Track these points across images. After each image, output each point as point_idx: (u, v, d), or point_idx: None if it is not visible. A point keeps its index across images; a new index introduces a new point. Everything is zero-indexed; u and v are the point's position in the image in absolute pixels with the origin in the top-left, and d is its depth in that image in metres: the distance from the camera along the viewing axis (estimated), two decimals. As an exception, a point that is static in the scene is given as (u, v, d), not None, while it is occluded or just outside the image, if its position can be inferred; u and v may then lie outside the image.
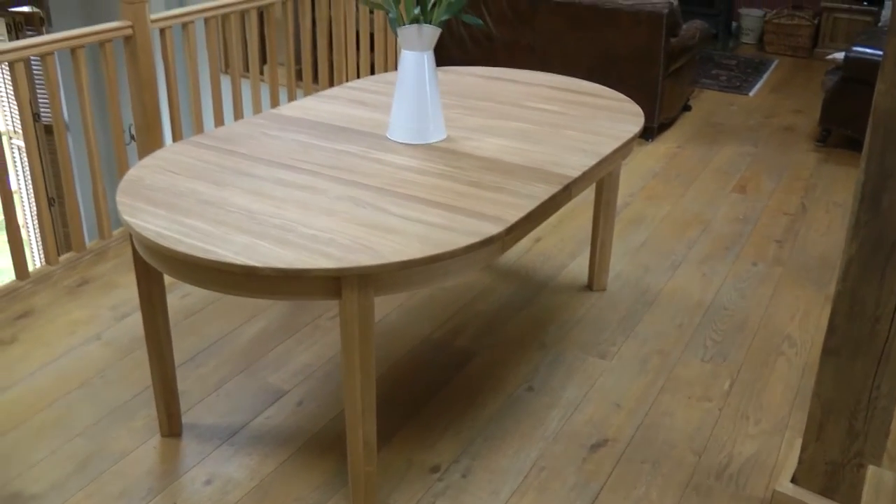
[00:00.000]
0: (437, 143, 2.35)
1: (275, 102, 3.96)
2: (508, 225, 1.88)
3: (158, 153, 2.28)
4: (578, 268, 3.17)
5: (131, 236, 1.99)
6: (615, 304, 2.94)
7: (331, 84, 4.38)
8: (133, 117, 3.31)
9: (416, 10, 2.23)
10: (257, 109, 3.84)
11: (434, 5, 2.24)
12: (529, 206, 1.98)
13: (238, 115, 3.72)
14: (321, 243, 1.79)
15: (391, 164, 2.20)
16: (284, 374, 2.54)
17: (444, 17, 2.26)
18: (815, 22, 6.18)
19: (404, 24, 2.24)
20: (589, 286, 3.05)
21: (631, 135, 2.47)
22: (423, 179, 2.11)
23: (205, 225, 1.87)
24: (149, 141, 3.31)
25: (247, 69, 5.10)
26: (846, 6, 6.07)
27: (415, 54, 2.28)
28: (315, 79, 4.38)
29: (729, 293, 3.02)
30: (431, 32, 2.26)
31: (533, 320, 2.83)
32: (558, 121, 2.55)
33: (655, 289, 3.04)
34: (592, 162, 2.25)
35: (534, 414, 2.41)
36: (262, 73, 4.35)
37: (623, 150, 2.45)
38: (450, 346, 2.69)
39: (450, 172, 2.16)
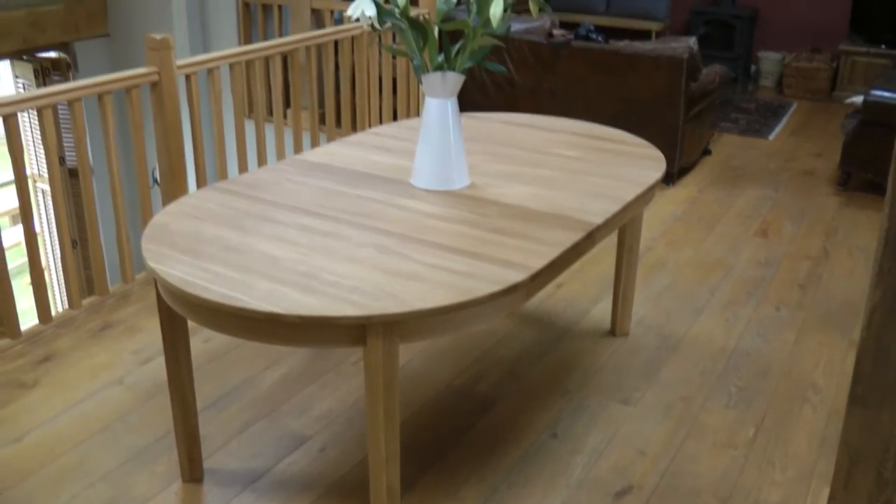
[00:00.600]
0: (460, 189, 2.36)
1: (298, 147, 4.00)
2: (533, 272, 1.88)
3: (184, 199, 2.30)
4: (601, 313, 3.15)
5: (156, 282, 2.00)
6: (638, 350, 2.92)
7: (354, 128, 4.42)
8: (158, 162, 3.35)
9: (440, 58, 2.26)
10: (281, 154, 3.88)
11: (458, 52, 2.27)
12: (553, 253, 1.98)
13: (262, 159, 3.75)
14: (345, 290, 1.79)
15: (415, 210, 2.21)
16: (307, 419, 2.53)
17: (468, 65, 2.28)
18: (834, 65, 6.19)
19: (428, 72, 2.26)
20: (612, 331, 3.03)
21: (653, 180, 2.48)
22: (446, 226, 2.12)
23: (229, 271, 1.88)
24: (173, 186, 3.34)
25: (270, 113, 5.16)
26: (864, 49, 6.09)
27: (438, 101, 2.30)
28: (338, 123, 4.42)
29: (752, 339, 3.00)
30: (455, 80, 2.28)
31: (556, 366, 2.81)
32: (581, 167, 2.56)
33: (678, 334, 3.02)
34: (615, 208, 2.25)
35: (557, 461, 2.38)
36: (285, 117, 4.40)
37: (646, 196, 2.45)
38: (472, 392, 2.67)
39: (473, 219, 2.16)
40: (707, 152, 4.93)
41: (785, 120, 5.73)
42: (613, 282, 2.97)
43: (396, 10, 2.18)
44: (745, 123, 5.58)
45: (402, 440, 2.42)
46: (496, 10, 2.06)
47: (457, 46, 2.26)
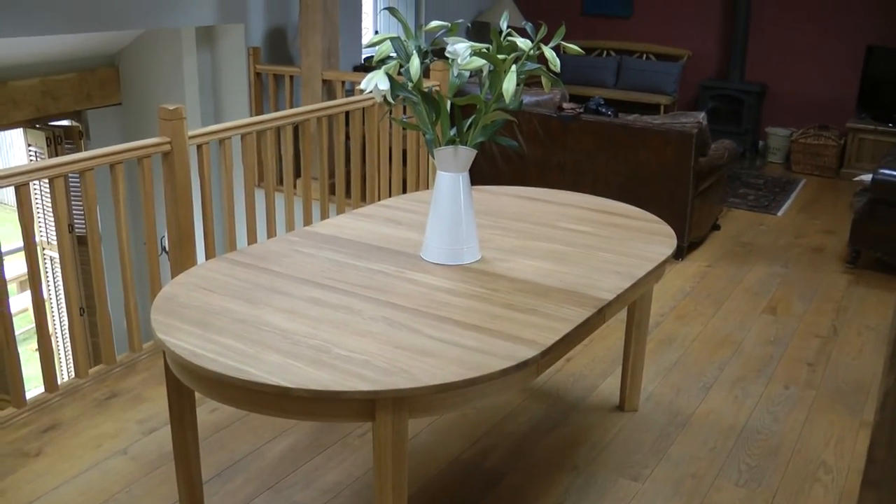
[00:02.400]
0: (471, 264, 2.39)
1: (308, 217, 4.05)
2: (544, 349, 1.90)
3: (193, 270, 2.33)
4: (609, 388, 3.15)
5: (164, 353, 2.02)
6: (647, 426, 2.91)
7: (363, 199, 4.48)
8: (167, 231, 3.39)
9: (452, 132, 2.31)
10: (290, 224, 3.93)
11: (470, 127, 2.32)
12: (564, 329, 1.99)
13: (271, 229, 3.80)
14: (356, 365, 1.81)
15: (425, 284, 2.24)
16: (312, 492, 2.51)
17: (480, 140, 2.33)
18: (842, 142, 6.28)
19: (440, 146, 2.31)
20: (620, 407, 3.02)
21: (664, 257, 2.51)
22: (457, 301, 2.14)
23: (238, 344, 1.90)
24: (182, 255, 3.38)
25: (280, 183, 5.24)
26: (872, 127, 6.18)
27: (450, 175, 2.35)
28: (348, 194, 4.49)
29: (762, 417, 2.99)
30: (467, 154, 2.33)
31: (564, 441, 2.80)
32: (591, 242, 2.60)
33: (687, 411, 3.01)
34: (626, 284, 2.28)
35: (565, 541, 2.36)
36: (295, 187, 4.47)
37: (657, 272, 2.48)
38: (480, 467, 2.66)
39: (484, 294, 2.19)
40: (716, 227, 4.97)
41: (793, 196, 5.79)
42: (623, 357, 2.98)
43: (409, 84, 2.24)
44: (754, 199, 5.64)
45: (409, 517, 2.42)
46: (509, 85, 2.12)
47: (469, 121, 2.32)
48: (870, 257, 4.46)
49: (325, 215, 4.17)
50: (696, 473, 2.65)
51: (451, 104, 2.32)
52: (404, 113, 4.59)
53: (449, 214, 2.36)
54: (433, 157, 2.33)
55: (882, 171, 4.23)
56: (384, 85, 2.17)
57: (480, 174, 4.86)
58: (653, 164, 4.36)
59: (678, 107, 6.91)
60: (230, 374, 1.77)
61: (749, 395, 3.13)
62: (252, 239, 3.75)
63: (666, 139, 4.28)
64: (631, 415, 2.98)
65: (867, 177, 4.34)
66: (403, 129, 4.58)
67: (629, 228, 2.75)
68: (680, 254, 4.47)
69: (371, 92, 2.20)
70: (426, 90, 2.29)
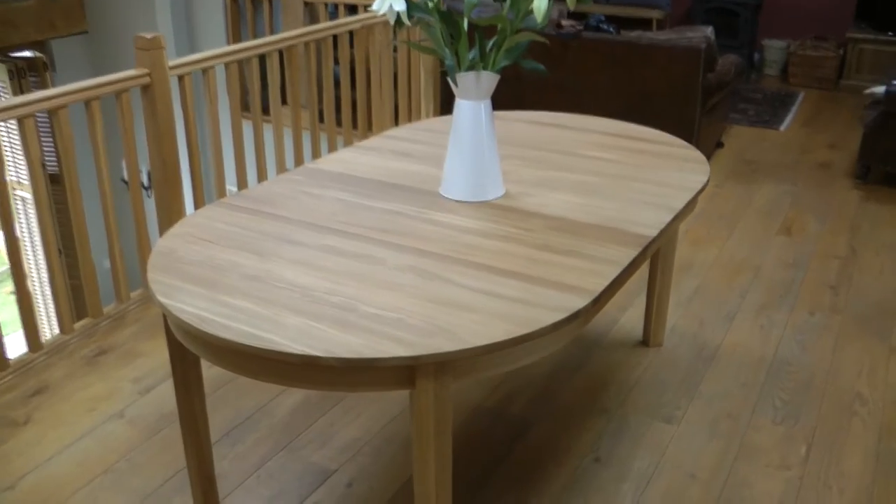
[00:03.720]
0: (496, 200, 2.16)
1: (298, 147, 3.78)
2: (594, 297, 1.69)
3: (189, 219, 2.08)
4: (630, 322, 2.97)
5: (165, 317, 1.79)
6: (674, 362, 2.73)
7: (354, 127, 4.20)
8: (152, 170, 3.12)
9: (472, 56, 2.05)
10: (281, 156, 3.66)
11: (492, 49, 2.07)
12: (612, 272, 1.78)
13: (261, 162, 3.54)
14: (389, 325, 1.59)
15: (451, 226, 2.01)
16: (330, 450, 2.32)
17: (504, 64, 2.08)
18: (841, 53, 6.04)
19: (461, 71, 2.06)
20: (644, 342, 2.84)
21: (700, 185, 2.29)
22: (489, 244, 1.92)
23: (252, 305, 1.67)
24: (169, 195, 3.11)
25: (267, 112, 4.94)
26: (872, 36, 5.93)
27: (471, 104, 2.10)
28: (338, 122, 4.20)
29: (790, 347, 2.82)
30: (490, 80, 2.07)
31: (590, 382, 2.62)
32: (621, 171, 2.37)
33: (713, 344, 2.84)
34: (668, 218, 2.06)
35: (603, 488, 2.19)
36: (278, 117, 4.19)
37: (693, 203, 2.26)
38: (505, 415, 2.48)
39: (516, 234, 1.96)
40: (720, 145, 4.75)
41: (794, 110, 5.57)
42: (647, 290, 2.79)
43: (429, 3, 1.97)
44: (755, 114, 5.41)
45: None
46: (541, 2, 1.86)
47: (490, 42, 2.06)
48: (880, 172, 4.27)
49: (316, 145, 3.90)
50: (731, 412, 2.48)
51: (470, 25, 2.05)
52: (407, 38, 4.28)
53: (471, 146, 2.12)
54: (454, 84, 2.07)
55: None
56: (400, 5, 1.90)
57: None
58: (658, 83, 4.10)
59: (671, 22, 6.60)
60: (247, 343, 1.54)
61: (775, 324, 2.96)
62: (241, 173, 3.49)
63: (672, 56, 4.02)
64: (656, 350, 2.80)
65: (879, 89, 4.12)
66: (395, 50, 4.27)
67: (657, 155, 2.52)
68: (685, 175, 4.25)
69: (384, 13, 1.93)
70: (444, 9, 2.02)
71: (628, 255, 1.86)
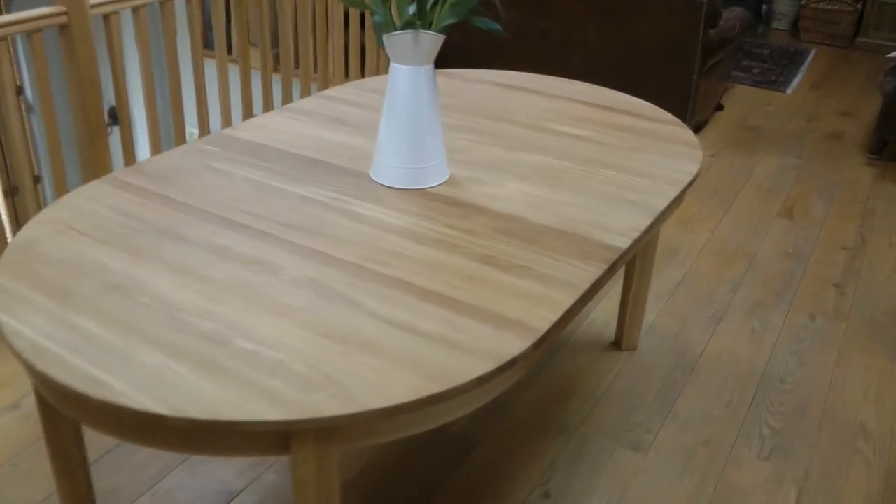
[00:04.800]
0: (437, 188, 1.77)
1: (247, 90, 3.36)
2: (537, 338, 1.31)
3: (68, 199, 1.70)
4: (602, 318, 2.60)
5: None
6: (649, 371, 2.38)
7: (315, 69, 3.78)
8: (73, 124, 2.71)
9: (411, 11, 1.65)
10: (226, 99, 3.25)
11: (435, 3, 1.66)
12: (565, 301, 1.41)
13: (201, 105, 3.14)
14: (264, 370, 1.22)
15: (373, 222, 1.63)
16: (235, 466, 1.98)
17: (449, 21, 1.67)
18: (858, 7, 5.55)
19: (394, 30, 1.65)
20: (616, 344, 2.48)
21: (689, 177, 1.90)
22: (416, 251, 1.54)
23: (103, 331, 1.29)
24: (94, 153, 2.71)
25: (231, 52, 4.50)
26: (893, -9, 5.46)
27: (409, 70, 1.69)
28: (296, 64, 3.77)
29: (784, 358, 2.46)
30: (432, 42, 1.67)
31: (547, 393, 2.27)
32: (594, 154, 1.97)
33: (696, 349, 2.48)
34: (646, 222, 1.68)
35: (551, 533, 1.86)
36: (230, 53, 3.76)
37: (679, 200, 1.88)
38: (444, 434, 2.13)
39: (453, 238, 1.58)
40: (719, 108, 4.33)
41: (804, 70, 5.11)
42: (623, 285, 2.42)
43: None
44: (760, 73, 4.96)
45: (358, 498, 1.90)
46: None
47: (435, -3, 1.65)
48: None
49: (266, 88, 3.48)
50: (710, 440, 2.14)
51: (411, -30, 1.64)
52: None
53: (407, 122, 1.72)
54: (382, 46, 1.67)
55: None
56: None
57: (447, 46, 4.14)
58: (653, 37, 3.67)
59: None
60: (80, 390, 1.18)
61: (768, 328, 2.59)
62: (203, 116, 3.10)
63: (670, 7, 3.57)
64: (629, 355, 2.44)
65: (902, 54, 3.69)
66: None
67: (641, 133, 2.12)
68: (680, 141, 3.84)
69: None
70: (375, -50, 1.60)
71: (589, 275, 1.48)
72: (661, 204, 1.75)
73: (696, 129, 4.05)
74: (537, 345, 1.31)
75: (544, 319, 1.35)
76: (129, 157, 2.88)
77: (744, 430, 2.17)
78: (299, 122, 2.10)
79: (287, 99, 3.54)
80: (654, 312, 2.64)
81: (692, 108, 3.72)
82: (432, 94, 1.72)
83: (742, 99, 4.60)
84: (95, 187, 1.74)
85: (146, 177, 1.79)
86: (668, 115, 2.24)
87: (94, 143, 2.73)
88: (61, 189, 2.71)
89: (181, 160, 1.87)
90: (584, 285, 1.45)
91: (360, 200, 1.71)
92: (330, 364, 1.23)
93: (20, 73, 4.81)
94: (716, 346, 2.49)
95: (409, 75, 1.70)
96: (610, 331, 2.54)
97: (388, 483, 1.96)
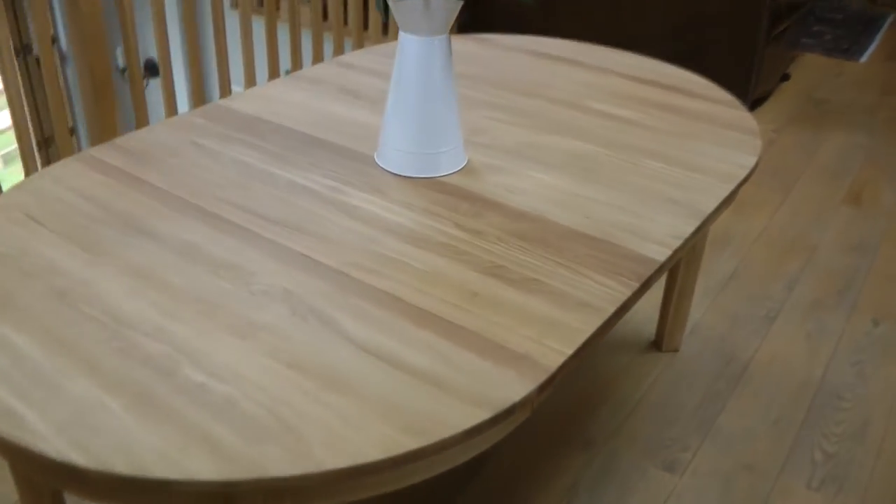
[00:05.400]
0: (449, 176, 1.53)
1: (296, 49, 3.12)
2: (544, 378, 1.08)
3: (32, 180, 1.49)
4: (643, 313, 2.35)
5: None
6: (690, 378, 2.13)
7: (366, 27, 3.52)
8: (80, 85, 2.52)
9: (426, -28, 1.39)
10: (273, 60, 3.02)
11: (454, -35, 1.40)
12: (584, 329, 1.16)
13: (249, 66, 2.92)
14: (212, 409, 1.01)
15: (371, 218, 1.39)
16: None
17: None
18: (942, -31, 5.09)
19: (404, -4, 1.40)
20: (656, 344, 2.23)
21: (745, 172, 1.62)
22: (415, 256, 1.30)
23: (36, 350, 1.09)
24: (101, 114, 2.52)
25: (261, 3, 4.27)
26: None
27: (420, 42, 1.45)
28: (345, 21, 3.51)
29: (843, 370, 2.18)
30: (447, 7, 1.41)
31: (576, 399, 2.04)
32: (637, 139, 1.71)
33: (744, 354, 2.21)
34: (690, 228, 1.42)
35: (569, 565, 1.64)
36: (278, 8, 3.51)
37: (731, 199, 1.60)
38: (458, 443, 1.91)
39: (461, 241, 1.34)
40: (785, 77, 3.97)
41: (880, 37, 4.69)
42: (666, 280, 2.16)
43: None
44: (832, 40, 4.56)
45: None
46: None
47: (451, -45, 1.39)
48: (978, 127, 3.50)
49: (318, 47, 3.25)
50: (753, 463, 1.88)
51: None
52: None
53: (416, 102, 1.48)
54: (380, 10, 1.42)
55: None
56: None
57: (491, 6, 3.83)
58: (716, 1, 3.33)
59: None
60: (-12, 422, 0.98)
61: (826, 333, 2.31)
62: (250, 74, 2.89)
63: (737, -34, 3.23)
64: (670, 358, 2.19)
65: None
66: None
67: (692, 115, 1.84)
68: (739, 113, 3.51)
69: None
70: None
71: (615, 295, 1.23)
72: (710, 205, 1.49)
73: (759, 101, 3.71)
74: (544, 387, 1.07)
75: (555, 354, 1.11)
76: (171, 111, 2.72)
77: (793, 453, 1.91)
78: (306, 93, 1.86)
79: (339, 50, 3.30)
80: (700, 309, 2.37)
81: (756, 78, 3.39)
82: (447, 70, 1.47)
83: (811, 68, 4.22)
84: (66, 166, 1.53)
85: (125, 155, 1.58)
86: (726, 95, 1.96)
87: (98, 101, 2.54)
88: (95, 140, 2.55)
89: (167, 135, 1.65)
90: (609, 308, 1.20)
91: (359, 190, 1.47)
92: (289, 405, 1.01)
93: (54, 22, 4.66)
94: (766, 352, 2.22)
95: (419, 47, 1.45)
96: (651, 328, 2.28)
97: (392, 497, 1.76)
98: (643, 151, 1.66)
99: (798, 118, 3.63)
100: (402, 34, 1.46)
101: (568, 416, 1.98)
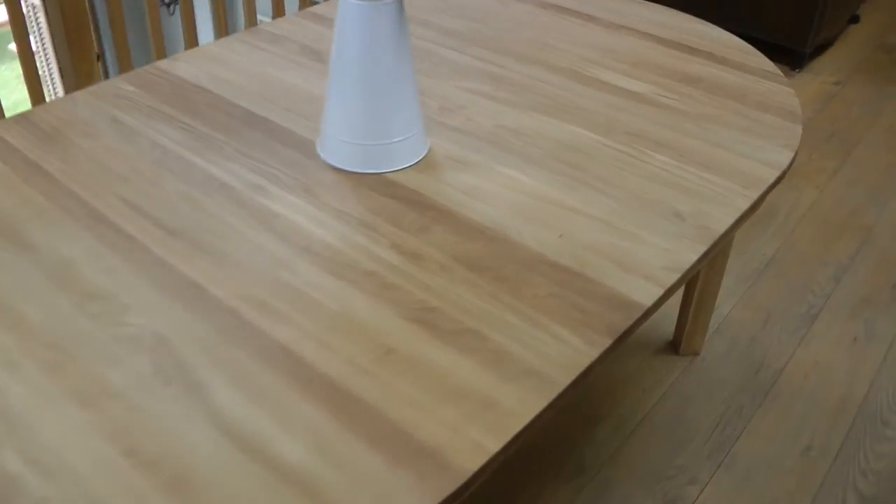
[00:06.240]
0: (401, 172, 1.23)
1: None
2: (456, 487, 0.79)
3: None
4: (665, 310, 2.04)
5: None
6: (709, 389, 1.82)
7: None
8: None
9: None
10: None
11: None
12: (523, 413, 0.87)
13: None
14: (8, 521, 0.76)
15: (290, 232, 1.11)
16: None
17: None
18: None
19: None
20: (674, 345, 1.93)
21: (776, 174, 1.28)
22: (330, 289, 1.01)
23: None
24: (76, 54, 2.27)
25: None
26: None
27: (362, 7, 1.13)
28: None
29: (891, 388, 1.85)
30: (388, -30, 1.10)
31: (571, 411, 1.75)
32: (646, 124, 1.37)
33: (776, 361, 1.89)
34: (691, 257, 1.10)
35: None
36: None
37: (755, 207, 1.27)
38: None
39: (393, 270, 1.05)
40: (854, 20, 3.50)
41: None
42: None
43: None
44: (913, -24, 4.03)
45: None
46: None
47: None
48: None
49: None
50: (776, 501, 1.59)
51: None
52: None
53: (360, 83, 1.17)
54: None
55: None
56: None
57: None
58: (779, -68, 2.88)
59: None
60: None
61: (875, 338, 1.97)
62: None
63: None
64: (688, 363, 1.88)
65: None
66: None
67: (720, 90, 1.49)
68: (800, 61, 3.09)
69: None
70: None
71: (578, 359, 0.93)
72: (723, 223, 1.16)
73: (822, 48, 3.26)
74: (456, 496, 0.80)
75: (475, 451, 0.82)
76: (191, 41, 2.45)
77: (823, 492, 1.61)
78: (263, 54, 1.56)
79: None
80: (729, 302, 2.05)
81: (819, 20, 2.95)
82: (400, 42, 1.16)
83: (883, 10, 3.72)
84: (-44, 146, 1.28)
85: (31, 133, 1.31)
86: (765, 63, 1.60)
87: (75, 34, 2.28)
88: (125, 66, 2.33)
89: (87, 108, 1.38)
90: (563, 380, 0.91)
91: (287, 191, 1.19)
92: (106, 524, 0.75)
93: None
94: (802, 360, 1.90)
95: (360, 14, 1.13)
96: (669, 325, 1.97)
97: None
98: (650, 140, 1.33)
99: (865, 68, 3.18)
100: (340, -3, 1.15)
101: (556, 434, 1.70)
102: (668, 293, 1.05)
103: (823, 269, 2.16)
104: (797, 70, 3.08)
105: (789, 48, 3.05)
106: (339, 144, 1.22)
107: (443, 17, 1.73)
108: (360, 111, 1.19)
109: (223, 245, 1.08)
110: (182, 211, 1.14)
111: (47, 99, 2.47)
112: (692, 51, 1.63)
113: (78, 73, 2.27)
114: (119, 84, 1.46)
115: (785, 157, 1.30)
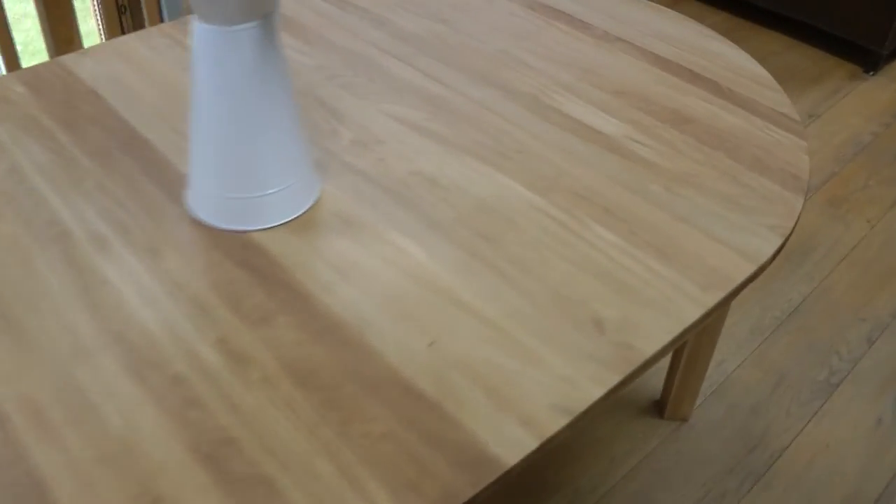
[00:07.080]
0: (270, 230, 0.99)
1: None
2: None
3: None
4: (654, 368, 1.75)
5: None
6: (690, 466, 1.55)
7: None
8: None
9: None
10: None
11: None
12: None
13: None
14: None
15: (105, 309, 0.88)
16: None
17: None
18: None
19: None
20: (658, 408, 1.65)
21: (749, 270, 0.99)
22: (122, 397, 0.77)
23: None
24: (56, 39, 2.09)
25: None
26: None
27: (216, 34, 0.89)
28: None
29: (920, 468, 1.54)
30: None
31: (526, 470, 1.51)
32: (600, 183, 1.08)
33: (778, 440, 1.60)
34: (593, 394, 0.83)
35: None
36: None
37: (708, 316, 0.99)
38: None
39: (205, 380, 0.81)
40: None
41: None
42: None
43: None
44: None
45: None
46: None
47: None
48: None
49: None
50: None
51: None
52: None
53: (219, 123, 0.94)
54: None
55: None
56: None
57: None
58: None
59: None
60: None
61: (906, 415, 1.65)
62: None
63: None
64: (672, 430, 1.61)
65: None
66: None
67: (707, 136, 1.18)
68: (874, 65, 2.68)
69: None
70: None
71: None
72: (654, 342, 0.88)
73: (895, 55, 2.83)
74: None
75: None
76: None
77: None
78: (179, 52, 1.33)
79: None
80: (737, 357, 1.75)
81: (891, 29, 2.53)
82: (271, 75, 0.91)
83: None
84: None
85: None
86: (781, 100, 1.28)
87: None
88: (153, 19, 2.22)
89: (-40, 114, 1.19)
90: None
91: (129, 248, 0.96)
92: None
93: None
94: (811, 440, 1.60)
95: (215, 42, 0.89)
96: (655, 390, 1.69)
97: None
98: (598, 207, 1.05)
99: (955, 77, 2.74)
100: (196, 24, 0.90)
101: (494, 501, 1.47)
102: (545, 446, 0.79)
103: (857, 326, 1.83)
104: (871, 73, 2.67)
105: (864, 47, 2.64)
106: (201, 194, 0.99)
107: (404, 16, 1.46)
108: (220, 158, 0.95)
109: (29, 321, 0.87)
110: (2, 265, 0.93)
111: None
112: (693, 77, 1.32)
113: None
114: (9, 84, 1.26)
115: (769, 245, 1.01)
